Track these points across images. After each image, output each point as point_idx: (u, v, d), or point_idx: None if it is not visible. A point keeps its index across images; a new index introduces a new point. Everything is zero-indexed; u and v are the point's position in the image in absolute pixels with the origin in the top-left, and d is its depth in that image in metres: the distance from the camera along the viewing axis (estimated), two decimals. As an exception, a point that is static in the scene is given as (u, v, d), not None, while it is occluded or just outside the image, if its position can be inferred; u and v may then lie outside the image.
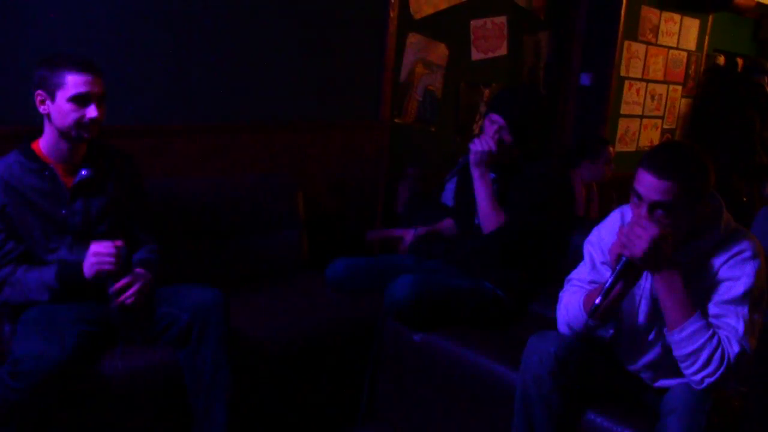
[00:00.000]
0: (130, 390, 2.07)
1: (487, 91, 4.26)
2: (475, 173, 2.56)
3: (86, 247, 2.15)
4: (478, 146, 2.53)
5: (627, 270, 1.80)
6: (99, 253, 2.06)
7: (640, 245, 1.73)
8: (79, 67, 2.06)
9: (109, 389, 2.03)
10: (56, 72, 2.05)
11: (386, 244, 2.82)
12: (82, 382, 1.98)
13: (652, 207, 1.77)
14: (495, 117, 2.55)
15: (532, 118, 2.58)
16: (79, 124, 2.08)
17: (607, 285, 1.80)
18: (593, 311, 1.84)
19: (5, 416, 1.85)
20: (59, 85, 2.05)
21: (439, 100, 4.01)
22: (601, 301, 1.80)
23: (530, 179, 2.56)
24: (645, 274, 1.91)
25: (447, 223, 2.93)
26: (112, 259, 2.06)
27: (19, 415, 1.86)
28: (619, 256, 1.78)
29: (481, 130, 2.62)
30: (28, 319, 2.04)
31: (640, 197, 1.79)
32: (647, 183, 1.76)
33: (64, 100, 2.05)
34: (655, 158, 1.78)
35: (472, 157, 2.55)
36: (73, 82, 2.05)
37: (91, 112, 2.09)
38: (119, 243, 2.09)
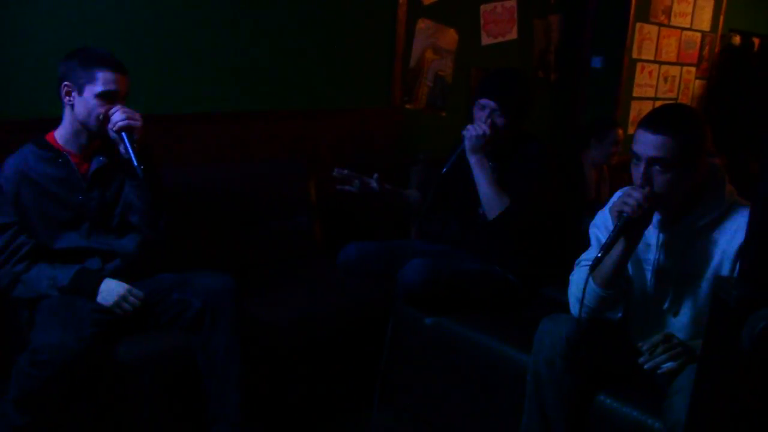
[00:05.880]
0: (145, 374, 2.10)
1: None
2: (472, 160, 2.53)
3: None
4: (472, 131, 2.52)
5: (627, 227, 1.79)
6: (126, 299, 2.12)
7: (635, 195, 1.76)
8: (110, 65, 2.12)
9: (125, 374, 2.07)
10: (88, 67, 2.10)
11: (348, 179, 2.71)
12: (98, 368, 2.01)
13: (650, 163, 1.79)
14: (485, 101, 2.54)
15: (522, 98, 2.59)
16: (102, 119, 2.13)
17: (608, 240, 1.80)
18: (594, 265, 1.81)
19: (25, 402, 1.89)
20: (89, 80, 2.10)
21: (450, 86, 4.00)
22: (602, 254, 1.79)
23: (526, 160, 2.56)
24: (653, 249, 1.92)
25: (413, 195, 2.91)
26: (130, 311, 2.12)
27: (38, 402, 1.90)
28: (620, 214, 1.79)
29: (471, 119, 2.60)
30: (46, 307, 2.07)
31: (639, 157, 1.82)
32: (644, 140, 1.80)
33: (92, 95, 2.11)
34: (651, 117, 1.84)
35: (467, 143, 2.53)
36: (104, 80, 2.10)
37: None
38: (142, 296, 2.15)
